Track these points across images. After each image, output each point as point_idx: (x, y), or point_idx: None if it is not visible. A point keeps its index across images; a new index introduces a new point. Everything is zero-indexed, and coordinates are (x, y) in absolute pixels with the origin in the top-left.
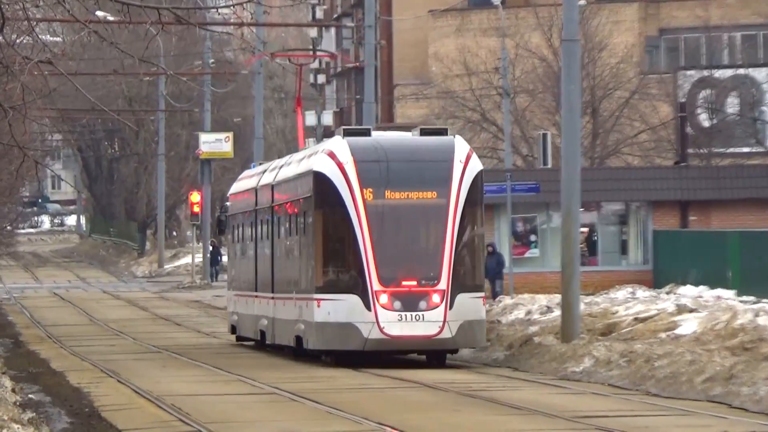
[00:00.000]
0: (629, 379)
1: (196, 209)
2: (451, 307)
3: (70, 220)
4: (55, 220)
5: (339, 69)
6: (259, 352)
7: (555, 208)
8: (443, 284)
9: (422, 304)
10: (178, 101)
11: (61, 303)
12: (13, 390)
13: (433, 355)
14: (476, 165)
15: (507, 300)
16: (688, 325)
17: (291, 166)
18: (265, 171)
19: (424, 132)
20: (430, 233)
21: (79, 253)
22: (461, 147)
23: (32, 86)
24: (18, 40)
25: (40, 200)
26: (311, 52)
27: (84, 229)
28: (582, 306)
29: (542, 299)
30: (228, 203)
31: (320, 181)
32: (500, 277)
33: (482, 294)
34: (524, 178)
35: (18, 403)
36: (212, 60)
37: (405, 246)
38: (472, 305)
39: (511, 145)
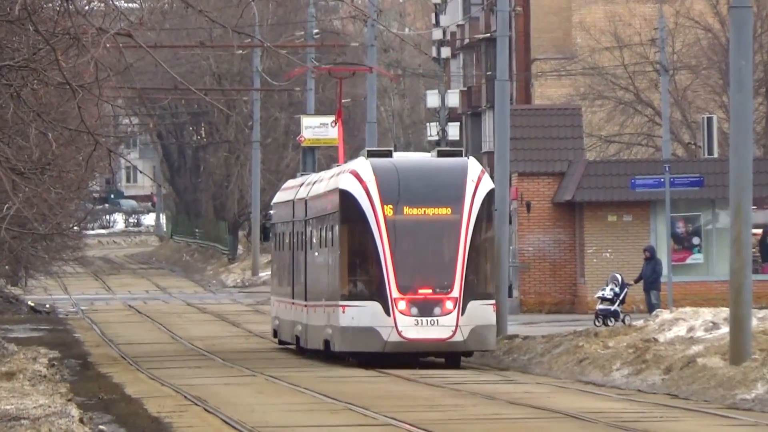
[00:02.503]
0: None
1: None
2: (463, 313)
3: (148, 219)
4: (131, 220)
5: (466, 40)
6: (365, 373)
7: (722, 205)
8: (456, 292)
9: (437, 310)
10: (276, 79)
11: (137, 317)
12: (81, 420)
13: (449, 357)
14: (487, 184)
15: (665, 314)
16: None
17: (323, 182)
18: (302, 185)
19: (441, 154)
20: (445, 246)
21: (158, 258)
22: (474, 168)
23: (105, 61)
24: (87, 7)
25: (112, 196)
26: (350, 66)
27: (164, 229)
28: (754, 321)
29: (707, 313)
30: (272, 211)
31: (345, 198)
32: (656, 288)
33: (492, 301)
34: (686, 170)
35: None
36: (316, 30)
37: (421, 257)
38: (482, 311)
39: (670, 130)
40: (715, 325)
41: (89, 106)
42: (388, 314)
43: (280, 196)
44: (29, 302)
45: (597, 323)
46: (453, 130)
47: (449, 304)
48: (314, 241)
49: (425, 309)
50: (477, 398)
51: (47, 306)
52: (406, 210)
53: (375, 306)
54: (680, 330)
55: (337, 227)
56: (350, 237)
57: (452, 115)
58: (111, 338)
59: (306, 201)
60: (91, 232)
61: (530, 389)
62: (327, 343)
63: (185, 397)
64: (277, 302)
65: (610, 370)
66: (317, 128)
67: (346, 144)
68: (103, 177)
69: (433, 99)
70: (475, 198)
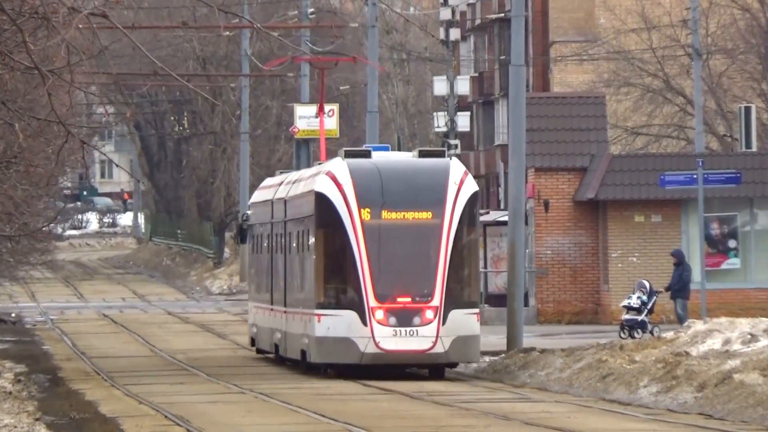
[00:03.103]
0: None
1: None
2: (444, 323)
3: (125, 219)
4: (105, 219)
5: (478, 21)
6: (369, 392)
7: (761, 204)
8: (437, 301)
9: (416, 320)
10: (267, 63)
11: (112, 328)
12: None
13: (432, 369)
14: (471, 186)
15: (698, 325)
16: None
17: (300, 183)
18: (281, 183)
19: (422, 154)
20: (425, 252)
21: (136, 262)
22: (456, 169)
23: (77, 43)
24: None
25: (85, 193)
26: (333, 56)
27: (143, 230)
28: None
29: (744, 324)
30: (249, 212)
31: (320, 201)
32: (683, 296)
33: (476, 310)
34: (721, 165)
35: None
36: (312, 9)
37: (400, 264)
38: (465, 321)
39: (704, 121)
40: (754, 338)
41: (60, 93)
42: (365, 324)
43: (258, 196)
44: None
45: (622, 335)
46: (463, 121)
47: (429, 314)
48: (293, 244)
49: (404, 319)
50: (490, 418)
51: (13, 315)
52: (385, 214)
53: (351, 315)
54: (715, 342)
55: (312, 232)
56: (326, 242)
57: (462, 104)
58: (83, 351)
59: (285, 201)
60: (62, 233)
61: (548, 408)
62: (303, 353)
63: (166, 416)
64: (254, 308)
65: (637, 387)
66: (313, 118)
67: (345, 136)
68: (75, 172)
69: (440, 86)
70: (458, 201)
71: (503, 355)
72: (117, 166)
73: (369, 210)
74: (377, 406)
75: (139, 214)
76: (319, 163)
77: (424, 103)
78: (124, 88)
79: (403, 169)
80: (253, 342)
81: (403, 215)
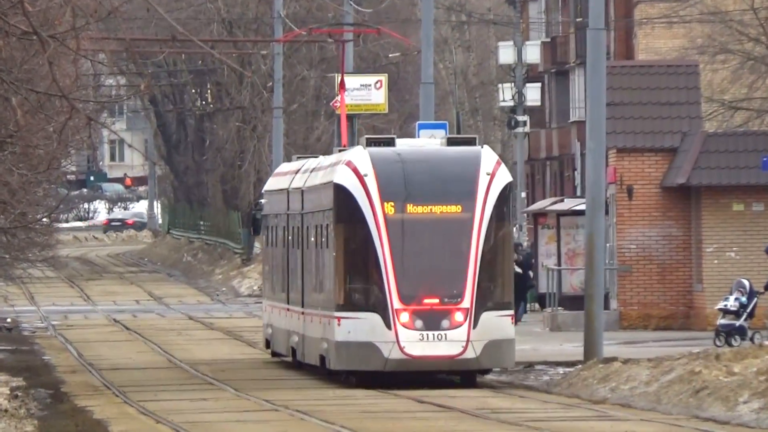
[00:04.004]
0: None
1: None
2: (475, 326)
3: (139, 208)
4: (116, 209)
5: None
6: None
7: None
8: (467, 302)
9: (444, 323)
10: (305, 27)
11: (124, 335)
12: None
13: (464, 375)
14: (504, 177)
15: None
16: None
17: (319, 172)
18: (298, 171)
19: (450, 141)
20: (454, 249)
21: (152, 258)
22: (488, 158)
23: (83, 4)
24: None
25: (92, 178)
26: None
27: (159, 222)
28: None
29: None
30: (263, 201)
31: (340, 193)
32: None
33: (510, 312)
34: None
35: None
36: None
37: (427, 262)
38: (498, 324)
39: None
40: None
41: (63, 62)
42: (389, 328)
43: (272, 183)
44: None
45: (718, 342)
46: (532, 93)
47: (459, 316)
48: (311, 239)
49: (431, 322)
50: None
51: (8, 320)
52: (410, 208)
53: (374, 318)
54: None
55: (331, 227)
56: (346, 238)
57: (532, 74)
58: (91, 362)
59: (302, 191)
60: (65, 225)
61: (633, 428)
62: (322, 358)
63: None
64: (269, 307)
65: (736, 403)
66: (357, 91)
67: (396, 111)
68: (81, 154)
69: (506, 53)
70: (489, 193)
71: (580, 366)
72: (129, 146)
73: (393, 203)
74: (432, 426)
75: (155, 203)
76: (340, 150)
77: (488, 73)
78: (138, 56)
79: (429, 159)
80: (268, 344)
81: (430, 209)
